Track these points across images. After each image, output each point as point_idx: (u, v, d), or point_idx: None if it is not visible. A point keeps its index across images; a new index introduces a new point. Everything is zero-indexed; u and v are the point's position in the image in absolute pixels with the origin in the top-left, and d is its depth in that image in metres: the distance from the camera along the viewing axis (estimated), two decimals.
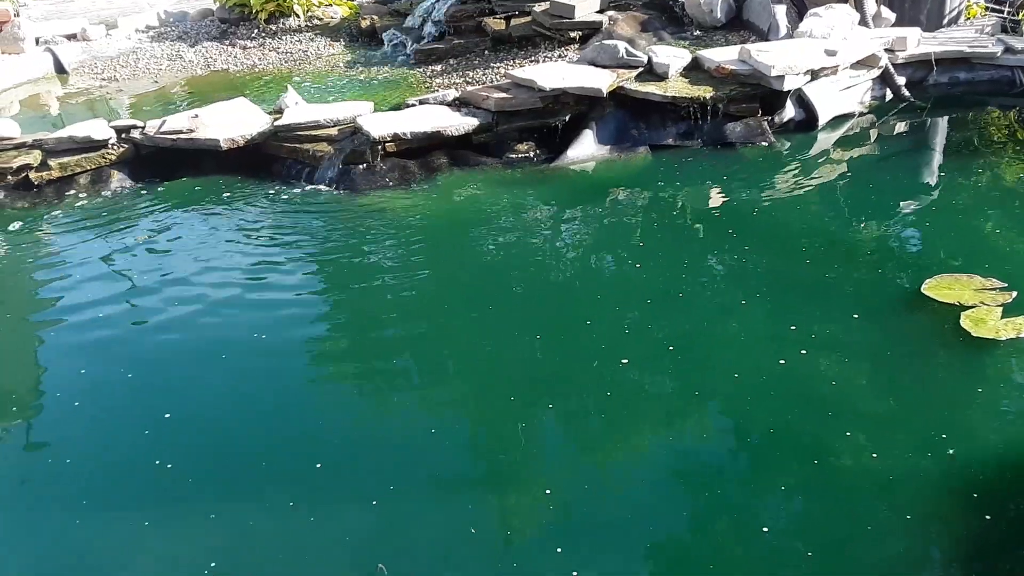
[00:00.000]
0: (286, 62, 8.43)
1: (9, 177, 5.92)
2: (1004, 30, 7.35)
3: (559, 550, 2.81)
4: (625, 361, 3.70)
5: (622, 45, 6.38)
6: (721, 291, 4.35)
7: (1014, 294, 3.95)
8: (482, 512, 3.02)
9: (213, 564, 2.84)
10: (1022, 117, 6.45)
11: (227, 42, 9.06)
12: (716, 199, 5.43)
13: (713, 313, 4.13)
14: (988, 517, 2.84)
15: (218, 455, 3.37)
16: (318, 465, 3.25)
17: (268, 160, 6.17)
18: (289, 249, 5.06)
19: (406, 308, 4.36)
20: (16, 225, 5.57)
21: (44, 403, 3.77)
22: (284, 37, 9.00)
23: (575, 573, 2.71)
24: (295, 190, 5.85)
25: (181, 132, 6.06)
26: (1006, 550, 2.75)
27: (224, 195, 5.84)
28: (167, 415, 3.58)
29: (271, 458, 3.32)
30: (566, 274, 4.63)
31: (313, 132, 6.07)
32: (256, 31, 9.16)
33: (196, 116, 6.19)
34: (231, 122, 6.18)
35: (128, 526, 3.03)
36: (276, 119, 6.20)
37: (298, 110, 6.27)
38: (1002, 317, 3.79)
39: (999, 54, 6.87)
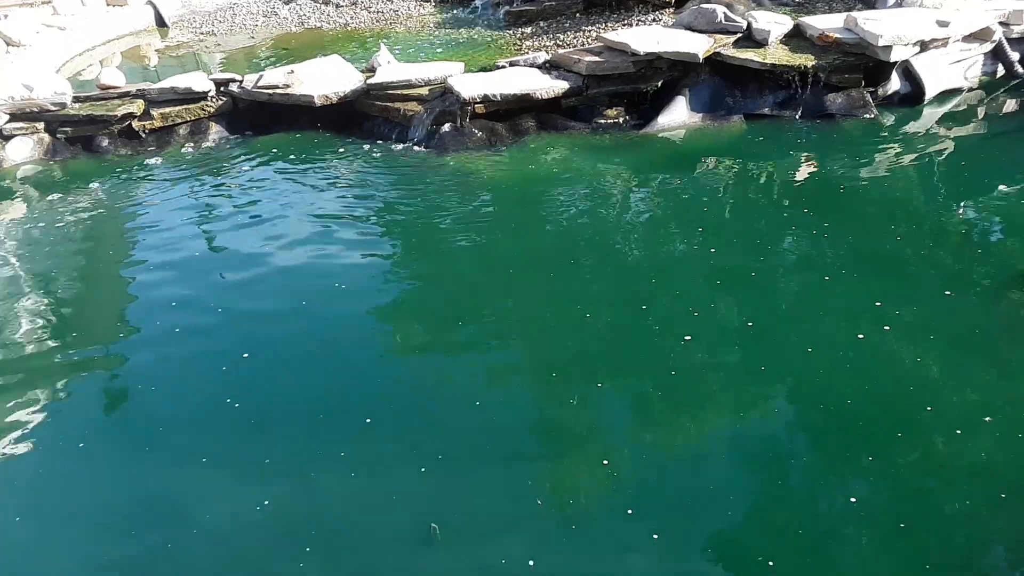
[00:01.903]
0: (377, 21, 8.49)
1: (114, 125, 6.15)
2: None
3: (618, 519, 2.79)
4: (688, 338, 3.62)
5: (720, 9, 6.20)
6: (804, 267, 4.23)
7: None
8: (539, 479, 2.99)
9: (266, 502, 2.93)
10: None
11: (320, 0, 9.16)
12: (811, 172, 5.27)
13: (794, 289, 4.03)
14: None
15: (284, 399, 3.46)
16: (368, 420, 3.27)
17: (360, 118, 6.26)
18: (374, 204, 5.14)
19: (481, 271, 4.39)
20: (120, 171, 5.81)
21: (134, 338, 3.96)
22: None
23: (655, 536, 2.71)
24: (385, 148, 5.92)
25: (277, 87, 6.18)
26: None
27: (316, 150, 5.95)
28: (245, 355, 3.71)
29: (333, 407, 3.38)
30: (642, 244, 4.57)
31: (404, 91, 6.11)
32: None
33: (292, 72, 6.30)
34: (325, 79, 6.27)
35: (189, 461, 3.14)
36: (368, 77, 6.26)
37: (390, 69, 6.32)
38: None
39: None
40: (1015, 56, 6.42)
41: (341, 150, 5.95)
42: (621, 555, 2.68)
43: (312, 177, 5.57)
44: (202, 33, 8.61)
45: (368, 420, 3.28)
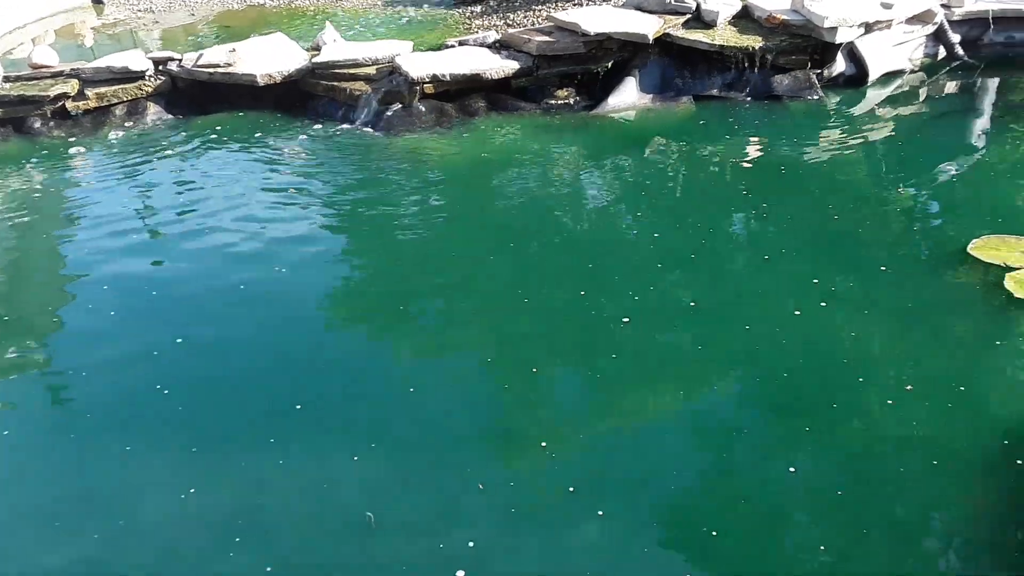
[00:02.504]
0: None
1: (47, 106, 5.89)
2: None
3: (560, 499, 2.78)
4: (626, 320, 3.61)
5: None
6: (745, 247, 4.28)
7: None
8: (478, 463, 2.95)
9: (193, 491, 2.85)
10: None
11: None
12: (757, 153, 5.31)
13: (734, 268, 4.07)
14: (1020, 464, 2.80)
15: (216, 385, 3.37)
16: (298, 406, 3.20)
17: (304, 97, 6.11)
18: (318, 186, 5.02)
19: (427, 252, 4.33)
20: (52, 153, 5.58)
21: (66, 322, 3.82)
22: None
23: (600, 512, 2.71)
24: (330, 128, 5.79)
25: (218, 66, 6.00)
26: None
27: (259, 131, 5.80)
28: (178, 340, 3.60)
29: (266, 393, 3.31)
30: (587, 228, 4.56)
31: (351, 70, 5.98)
32: None
33: (234, 50, 6.12)
34: (268, 58, 6.10)
35: (117, 452, 3.04)
36: (314, 56, 6.11)
37: (336, 47, 6.18)
38: None
39: None
40: (955, 38, 6.55)
41: (285, 131, 5.80)
42: (564, 534, 2.67)
43: (254, 158, 5.42)
44: (139, 10, 8.31)
45: (298, 406, 3.20)
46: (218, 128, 5.85)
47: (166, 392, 3.31)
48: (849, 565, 2.53)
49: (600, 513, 2.72)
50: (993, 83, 6.31)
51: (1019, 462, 2.83)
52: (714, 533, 2.64)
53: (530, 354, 3.49)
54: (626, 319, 3.61)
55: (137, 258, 4.32)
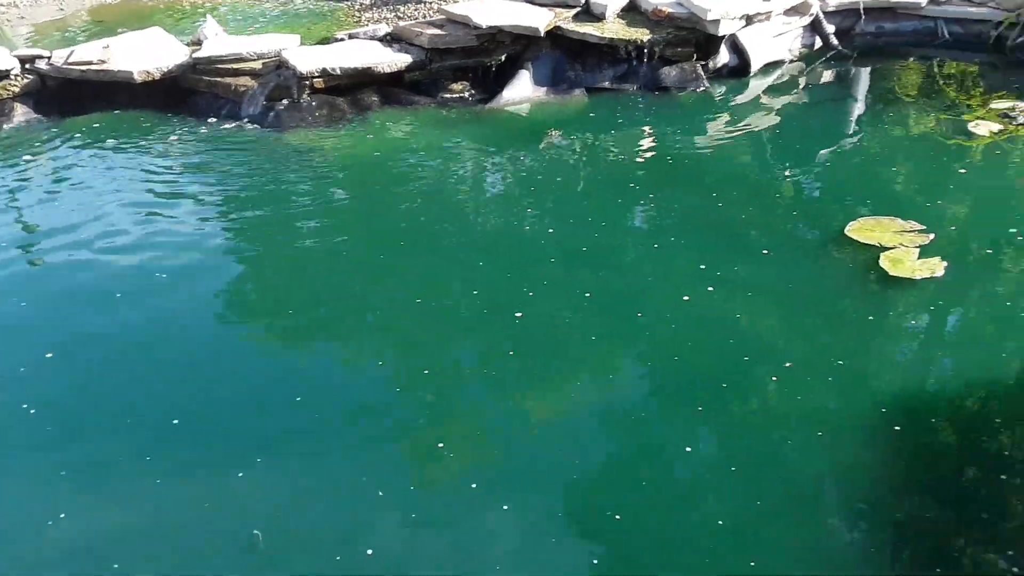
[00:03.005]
0: None
1: None
2: None
3: (462, 497, 2.77)
4: (519, 315, 3.63)
5: None
6: (635, 237, 4.37)
7: (931, 236, 4.09)
8: (373, 469, 2.88)
9: (63, 516, 2.70)
10: (942, 68, 6.63)
11: None
12: (647, 144, 5.43)
13: (625, 259, 4.15)
14: (902, 442, 2.97)
15: (87, 402, 3.21)
16: (176, 421, 3.07)
17: (186, 94, 5.86)
18: (203, 187, 4.83)
19: (318, 253, 4.23)
20: None
21: None
22: None
23: (505, 507, 2.72)
24: (216, 126, 5.58)
25: (91, 63, 5.67)
26: (916, 473, 2.89)
27: (137, 130, 5.52)
28: (48, 355, 3.41)
29: (140, 410, 3.16)
30: (481, 224, 4.55)
31: (235, 65, 5.77)
32: None
33: (107, 47, 5.80)
34: (146, 53, 5.81)
35: None
36: (195, 51, 5.86)
37: (218, 42, 5.94)
38: (919, 258, 3.94)
39: (924, 4, 7.00)
40: (830, 29, 6.86)
41: (166, 129, 5.55)
42: (468, 532, 2.66)
43: (132, 159, 5.16)
44: (2, 4, 7.76)
45: (176, 421, 3.07)
46: (93, 128, 5.54)
47: (32, 412, 3.11)
48: (747, 535, 2.63)
49: (505, 507, 2.72)
50: (866, 71, 6.65)
51: (897, 428, 3.01)
52: (618, 516, 2.70)
53: (423, 356, 3.46)
54: (519, 314, 3.61)
55: (2, 267, 4.05)
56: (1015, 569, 2.49)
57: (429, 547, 2.62)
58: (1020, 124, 5.42)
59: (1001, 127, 5.41)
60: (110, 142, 5.37)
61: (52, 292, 3.88)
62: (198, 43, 6.00)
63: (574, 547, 2.63)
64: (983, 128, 5.39)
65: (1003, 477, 2.80)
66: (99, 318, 3.67)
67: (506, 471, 2.89)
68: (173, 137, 5.45)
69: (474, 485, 2.80)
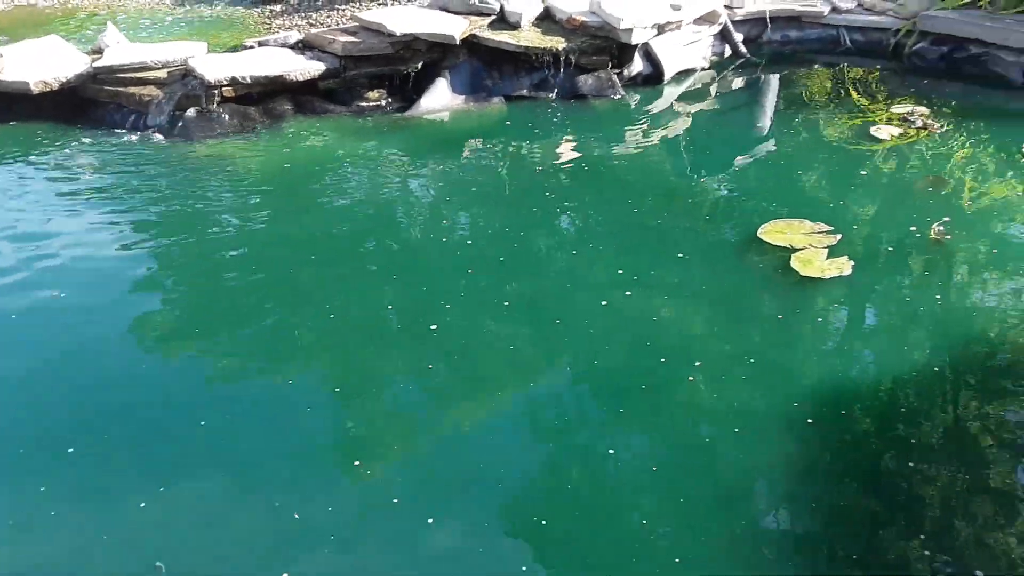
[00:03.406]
0: None
1: None
2: None
3: (383, 514, 2.71)
4: (435, 327, 3.58)
5: None
6: (553, 246, 4.36)
7: (839, 236, 4.23)
8: (285, 494, 2.75)
9: None
10: (845, 74, 6.90)
11: None
12: (564, 152, 5.46)
13: (543, 268, 4.15)
14: (815, 435, 3.05)
15: None
16: (71, 449, 2.91)
17: (88, 105, 5.61)
18: (107, 202, 4.62)
19: (235, 268, 4.09)
20: None
21: None
22: None
23: (430, 520, 2.67)
24: (120, 137, 5.36)
25: None
26: (830, 465, 2.96)
27: (35, 144, 5.26)
28: None
29: (33, 434, 2.99)
30: (396, 238, 4.48)
31: (139, 74, 5.56)
32: None
33: (0, 56, 5.50)
34: (43, 62, 5.55)
35: None
36: (95, 60, 5.63)
37: (121, 50, 5.71)
38: (827, 258, 4.06)
39: (826, 13, 7.28)
40: (739, 37, 7.06)
41: (67, 142, 5.30)
42: (390, 549, 2.60)
43: (28, 174, 4.91)
44: None
45: (72, 449, 2.91)
46: None
47: None
48: (671, 533, 2.66)
49: (430, 521, 2.67)
50: (774, 78, 6.87)
51: (809, 421, 3.08)
52: (544, 522, 2.69)
53: (336, 374, 3.37)
54: (434, 326, 3.56)
55: None
56: (934, 552, 2.57)
57: (351, 568, 2.54)
58: (919, 128, 5.67)
59: (901, 131, 5.64)
60: (6, 157, 5.10)
61: None
62: (99, 51, 5.77)
63: (501, 556, 2.60)
64: (885, 132, 5.62)
65: (911, 464, 2.90)
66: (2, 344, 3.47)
67: (429, 485, 2.83)
68: (74, 150, 5.21)
69: (396, 500, 2.74)
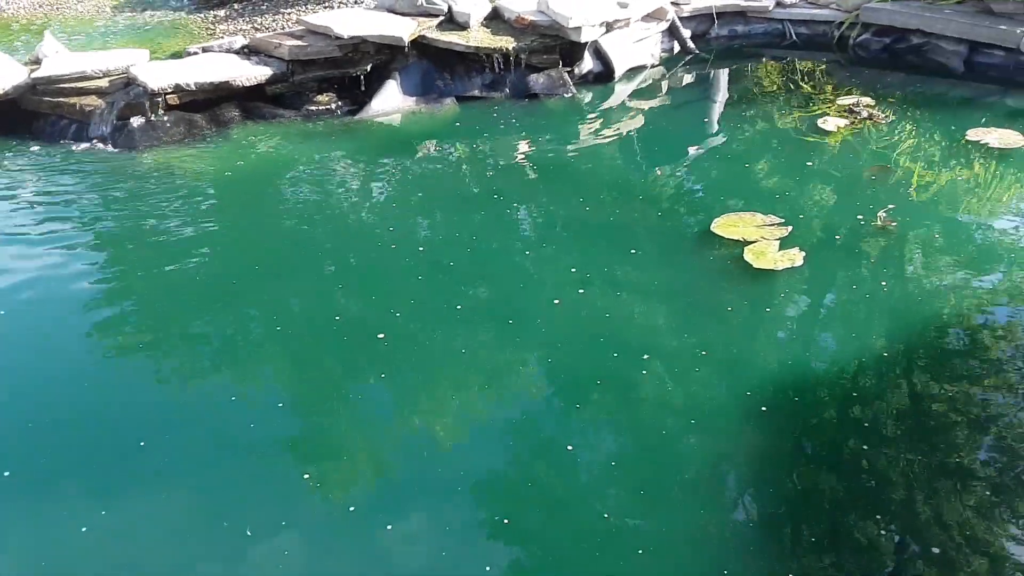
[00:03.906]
0: (41, 6, 7.45)
1: None
2: None
3: (344, 523, 2.68)
4: (382, 335, 3.55)
5: None
6: (507, 246, 4.34)
7: (789, 228, 4.28)
8: (243, 509, 2.72)
9: None
10: (792, 67, 6.99)
11: None
12: (517, 152, 5.46)
13: (497, 268, 4.13)
14: (773, 431, 3.08)
15: None
16: (7, 473, 2.83)
17: (28, 117, 5.46)
18: (50, 215, 4.49)
19: (194, 276, 4.01)
20: None
21: None
22: None
23: (388, 527, 2.65)
24: (63, 149, 5.22)
25: None
26: (788, 460, 2.99)
27: None
28: None
29: None
30: (345, 246, 4.41)
31: (79, 84, 5.42)
32: None
33: None
34: None
35: None
36: (33, 70, 5.47)
37: (59, 60, 5.56)
38: (779, 249, 4.11)
39: (771, 8, 7.38)
40: (687, 33, 7.12)
41: (8, 155, 5.14)
42: (351, 558, 2.56)
43: None
44: None
45: (7, 473, 2.82)
46: None
47: None
48: (633, 526, 2.68)
49: (389, 527, 2.64)
50: (723, 73, 6.94)
51: (763, 409, 3.12)
52: (506, 520, 2.68)
53: (284, 387, 3.31)
54: (381, 335, 3.51)
55: None
56: (894, 531, 2.62)
57: None
58: (865, 118, 5.77)
59: (848, 122, 5.74)
60: None
61: None
62: (37, 62, 5.61)
63: (465, 556, 2.58)
64: (831, 123, 5.71)
65: (867, 447, 2.94)
66: None
67: (385, 491, 2.80)
68: (15, 162, 5.06)
69: (352, 508, 2.70)
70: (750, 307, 3.77)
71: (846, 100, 6.09)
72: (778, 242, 4.16)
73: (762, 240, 4.19)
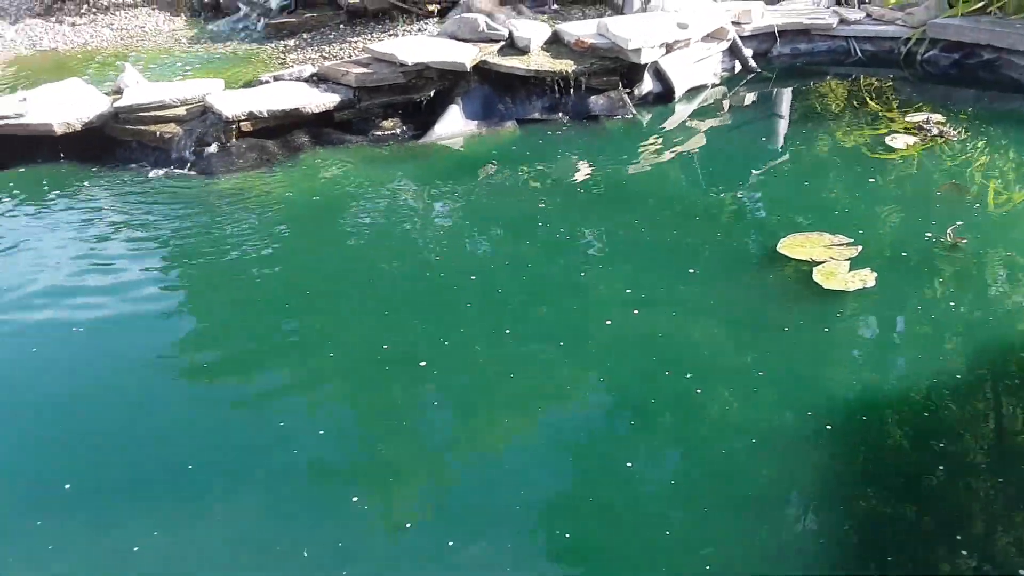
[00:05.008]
0: (122, 39, 7.82)
1: None
2: (839, 2, 7.82)
3: (402, 539, 2.71)
4: (423, 363, 3.57)
5: (482, 18, 6.31)
6: (563, 266, 4.33)
7: (860, 248, 4.21)
8: (298, 530, 2.75)
9: None
10: (857, 85, 6.90)
11: (53, 19, 8.29)
12: (580, 173, 5.49)
13: (550, 289, 4.12)
14: (840, 451, 3.03)
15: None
16: (67, 486, 2.91)
17: (111, 144, 5.71)
18: (139, 240, 4.68)
19: (268, 296, 4.13)
20: None
21: None
22: (117, 12, 8.33)
23: (450, 542, 2.67)
24: (143, 175, 5.45)
25: (8, 117, 5.50)
26: (855, 480, 2.93)
27: (62, 185, 5.35)
28: None
29: (34, 471, 3.02)
30: (430, 255, 4.50)
31: (158, 113, 5.66)
32: (86, 6, 8.43)
33: (24, 100, 5.64)
34: (65, 104, 5.67)
35: None
36: (116, 100, 5.74)
37: (140, 89, 5.83)
38: (850, 270, 4.04)
39: (835, 25, 7.30)
40: (748, 52, 7.09)
41: (92, 181, 5.39)
42: (412, 572, 2.61)
43: (60, 214, 4.99)
44: None
45: (68, 486, 2.91)
46: (12, 185, 5.35)
47: None
48: (698, 542, 2.67)
49: (451, 543, 2.67)
50: (786, 91, 6.88)
51: (828, 427, 3.08)
52: (568, 535, 2.69)
53: (332, 414, 3.34)
54: (423, 363, 3.52)
55: None
56: (965, 560, 2.54)
57: None
58: (935, 135, 5.66)
59: (917, 139, 5.63)
60: (32, 196, 5.19)
61: None
62: (119, 92, 5.88)
63: (526, 570, 2.60)
64: (900, 141, 5.61)
65: (940, 472, 2.88)
66: (12, 374, 3.55)
67: (443, 510, 2.83)
68: (100, 188, 5.29)
69: (408, 525, 2.74)
70: (817, 327, 3.71)
71: (915, 117, 5.98)
72: (848, 262, 4.10)
73: (831, 260, 4.13)
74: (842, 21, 7.33)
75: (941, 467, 2.89)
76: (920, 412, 3.18)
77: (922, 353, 3.53)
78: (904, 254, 4.26)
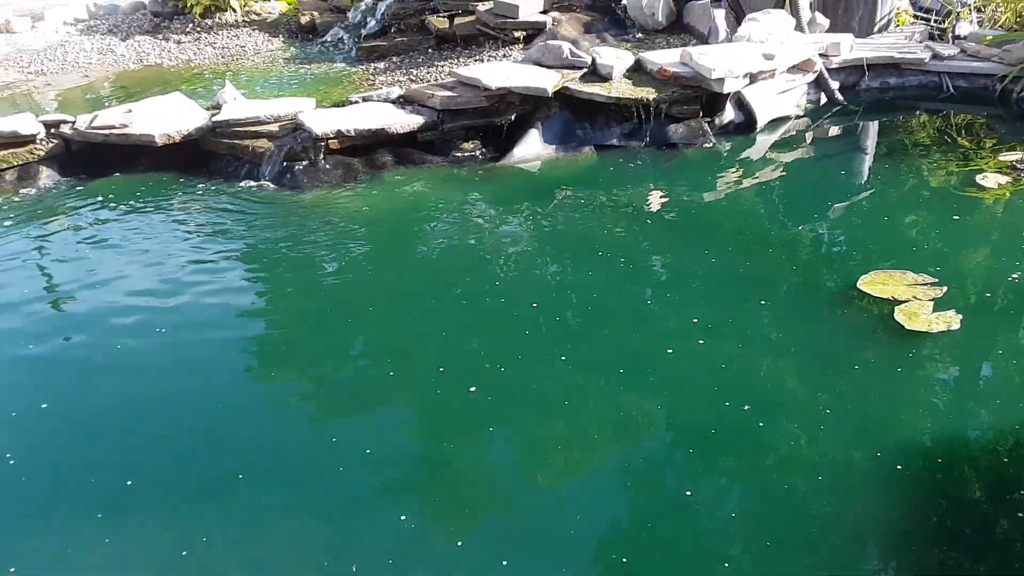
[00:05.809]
0: (223, 57, 8.24)
1: None
2: (931, 37, 7.64)
3: (455, 555, 2.73)
4: (473, 389, 3.59)
5: (566, 46, 6.41)
6: (632, 293, 4.32)
7: (944, 289, 4.08)
8: (412, 527, 2.84)
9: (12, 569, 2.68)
10: (948, 121, 6.70)
11: (160, 36, 8.81)
12: (655, 200, 5.50)
13: (617, 316, 4.09)
14: (909, 495, 2.94)
15: (63, 456, 3.24)
16: (129, 482, 3.04)
17: (206, 157, 6.02)
18: (225, 248, 4.92)
19: (344, 309, 4.26)
20: None
21: None
22: (220, 32, 8.80)
23: (504, 562, 2.68)
24: (235, 187, 5.71)
25: (114, 127, 5.86)
26: (925, 527, 2.84)
27: (159, 192, 5.66)
28: (44, 406, 3.47)
29: (110, 467, 3.15)
30: (503, 276, 4.57)
31: (253, 128, 5.94)
32: (191, 25, 8.93)
33: (130, 111, 6.00)
34: (167, 117, 6.00)
35: None
36: (214, 114, 6.05)
37: (237, 106, 6.13)
38: (933, 311, 3.92)
39: (927, 60, 7.13)
40: (835, 85, 6.98)
41: (187, 190, 5.69)
42: None
43: (156, 220, 5.29)
44: (30, 73, 8.06)
45: (129, 482, 3.05)
46: (115, 191, 5.69)
47: (12, 462, 3.17)
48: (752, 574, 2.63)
49: (504, 563, 2.70)
50: (872, 125, 6.74)
51: (899, 467, 3.01)
52: (624, 561, 2.70)
53: (386, 434, 3.39)
54: (473, 388, 3.54)
55: (30, 327, 4.12)
56: None
57: None
58: None
59: (1009, 179, 5.44)
60: (132, 204, 5.51)
61: (59, 347, 3.94)
62: (217, 107, 6.20)
63: None
64: (991, 180, 5.43)
65: (1018, 521, 2.76)
66: (99, 376, 3.72)
67: (497, 532, 2.85)
68: (194, 198, 5.58)
69: (459, 543, 2.77)
70: (894, 368, 3.61)
71: (1008, 156, 5.78)
72: (932, 303, 3.99)
73: (914, 300, 4.02)
74: (935, 56, 7.15)
75: (1019, 521, 2.77)
76: (999, 462, 3.06)
77: (1006, 401, 3.40)
78: (992, 297, 4.11)
